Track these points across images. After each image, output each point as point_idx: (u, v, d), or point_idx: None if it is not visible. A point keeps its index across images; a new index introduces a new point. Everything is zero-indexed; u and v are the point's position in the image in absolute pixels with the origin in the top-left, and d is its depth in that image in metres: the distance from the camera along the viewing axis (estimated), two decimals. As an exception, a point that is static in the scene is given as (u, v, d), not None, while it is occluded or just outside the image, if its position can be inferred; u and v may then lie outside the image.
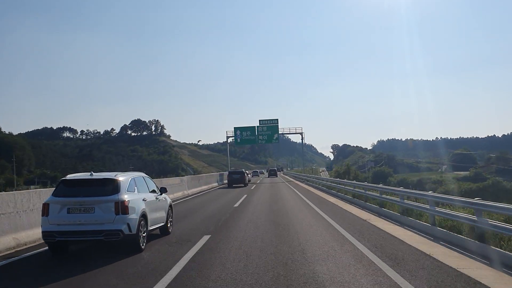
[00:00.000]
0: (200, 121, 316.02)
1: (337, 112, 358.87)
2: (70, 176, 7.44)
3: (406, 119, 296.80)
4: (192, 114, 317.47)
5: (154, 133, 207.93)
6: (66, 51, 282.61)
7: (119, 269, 6.03)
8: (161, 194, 8.75)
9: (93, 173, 7.44)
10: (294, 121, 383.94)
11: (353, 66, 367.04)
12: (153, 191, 8.45)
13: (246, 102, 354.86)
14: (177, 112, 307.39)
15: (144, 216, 7.37)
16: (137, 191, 7.55)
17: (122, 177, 7.30)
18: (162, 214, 8.62)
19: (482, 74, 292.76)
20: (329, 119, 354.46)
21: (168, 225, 8.95)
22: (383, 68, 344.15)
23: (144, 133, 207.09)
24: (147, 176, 8.71)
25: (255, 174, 65.06)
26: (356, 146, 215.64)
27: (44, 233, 6.79)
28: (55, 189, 7.16)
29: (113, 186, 6.98)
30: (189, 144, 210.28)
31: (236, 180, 31.17)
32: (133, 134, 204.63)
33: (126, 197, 6.95)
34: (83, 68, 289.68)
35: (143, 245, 7.25)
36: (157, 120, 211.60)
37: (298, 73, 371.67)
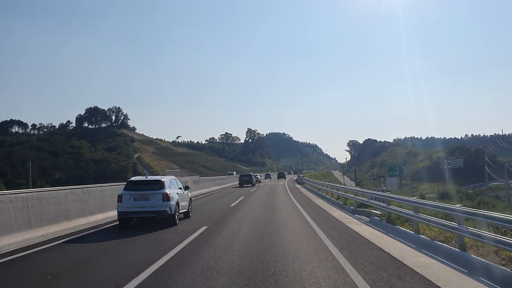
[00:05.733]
0: (193, 120, 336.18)
1: (339, 113, 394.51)
2: (133, 178, 14.58)
3: (413, 118, 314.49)
4: (181, 114, 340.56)
5: (114, 124, 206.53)
6: (64, 53, 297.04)
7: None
8: (185, 190, 15.98)
9: (148, 176, 14.61)
10: (295, 122, 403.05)
11: (355, 69, 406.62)
12: (180, 188, 15.60)
13: (244, 103, 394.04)
14: (174, 113, 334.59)
15: (177, 203, 14.47)
16: (173, 187, 14.71)
17: (165, 179, 14.47)
18: (187, 203, 15.84)
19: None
20: (331, 120, 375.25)
21: (189, 211, 16.22)
22: (398, 70, 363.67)
23: (103, 124, 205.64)
24: (176, 177, 15.94)
25: (267, 176, 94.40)
26: (385, 141, 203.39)
27: (119, 213, 13.75)
28: (125, 186, 14.23)
29: (160, 184, 14.10)
30: (161, 140, 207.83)
31: (245, 181, 51.28)
32: (90, 126, 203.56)
33: (168, 191, 14.06)
34: (80, 68, 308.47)
35: (177, 221, 14.37)
36: (118, 108, 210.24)
37: (297, 78, 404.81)
